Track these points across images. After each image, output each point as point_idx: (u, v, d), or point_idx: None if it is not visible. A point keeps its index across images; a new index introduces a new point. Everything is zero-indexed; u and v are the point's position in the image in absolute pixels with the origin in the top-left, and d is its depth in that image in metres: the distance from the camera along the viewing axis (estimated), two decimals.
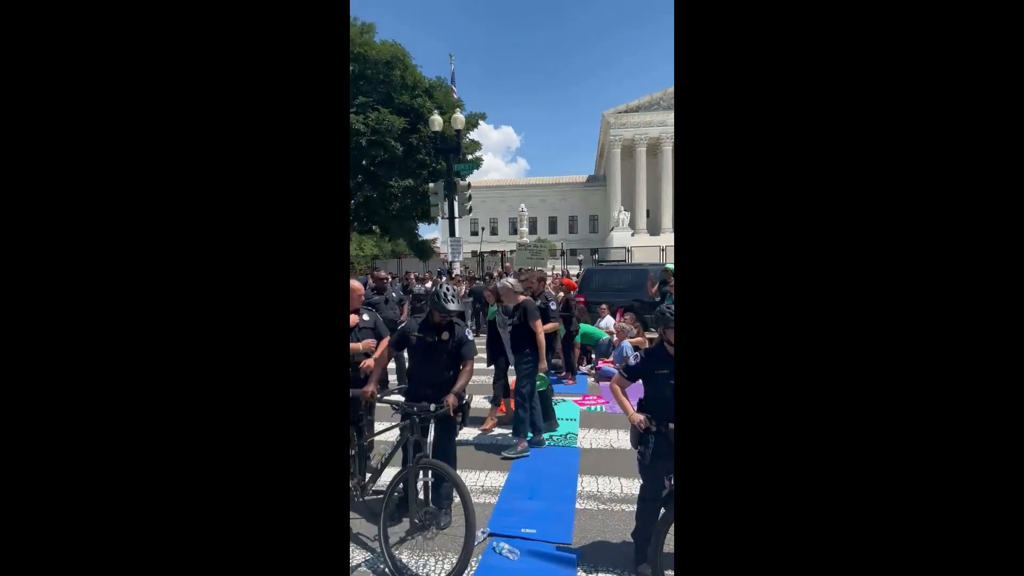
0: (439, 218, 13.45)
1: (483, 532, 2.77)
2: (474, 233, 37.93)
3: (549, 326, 4.37)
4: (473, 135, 20.20)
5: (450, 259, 12.30)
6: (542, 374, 4.13)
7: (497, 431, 4.52)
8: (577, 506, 3.11)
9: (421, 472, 2.53)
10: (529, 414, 4.05)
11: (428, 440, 2.60)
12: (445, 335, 2.86)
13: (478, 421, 4.61)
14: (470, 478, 3.49)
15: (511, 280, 4.35)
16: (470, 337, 2.92)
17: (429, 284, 11.32)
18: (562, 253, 25.00)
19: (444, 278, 12.10)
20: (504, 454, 3.91)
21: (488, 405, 4.94)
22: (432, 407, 2.57)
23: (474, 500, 2.78)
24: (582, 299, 7.95)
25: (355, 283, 3.53)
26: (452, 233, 11.95)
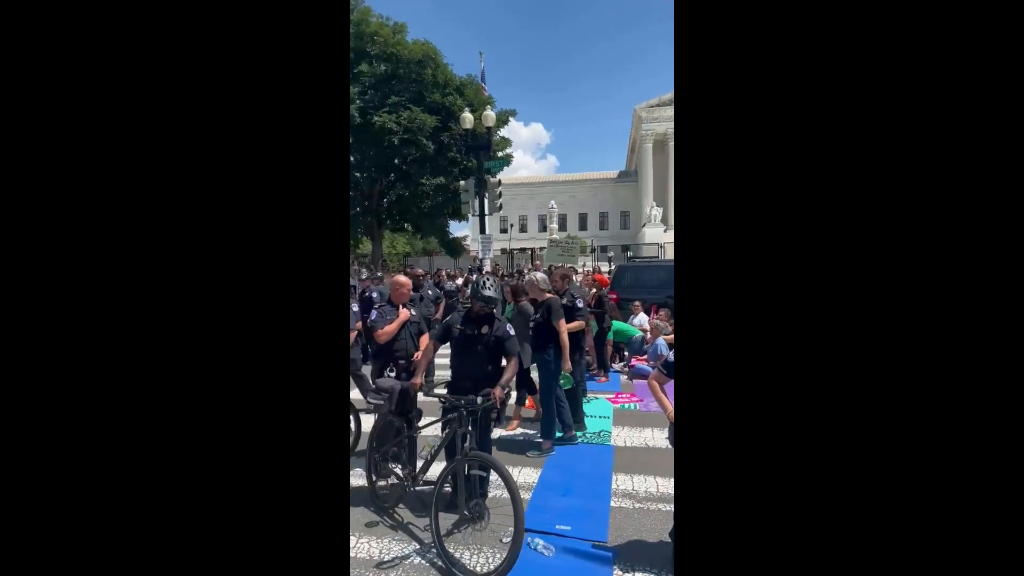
0: (469, 215, 13.53)
1: None
2: (503, 231, 37.99)
3: (574, 324, 4.27)
4: (503, 132, 20.19)
5: (480, 256, 12.35)
6: (566, 374, 4.07)
7: (519, 430, 4.49)
8: (612, 504, 3.08)
9: (468, 465, 2.56)
10: (556, 413, 4.02)
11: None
12: (485, 328, 2.91)
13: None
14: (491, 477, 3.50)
15: (539, 275, 4.29)
16: (511, 332, 2.94)
17: (460, 281, 11.41)
18: (592, 250, 24.78)
19: (476, 275, 12.17)
20: (529, 453, 3.90)
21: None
22: (479, 400, 2.61)
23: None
24: (614, 296, 7.85)
25: (403, 278, 3.67)
26: (483, 230, 11.99)
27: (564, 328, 3.97)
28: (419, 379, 2.94)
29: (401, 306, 3.43)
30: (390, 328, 3.31)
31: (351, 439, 3.79)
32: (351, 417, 3.87)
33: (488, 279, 2.89)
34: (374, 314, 3.44)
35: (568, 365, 3.95)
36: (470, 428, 2.59)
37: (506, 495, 2.33)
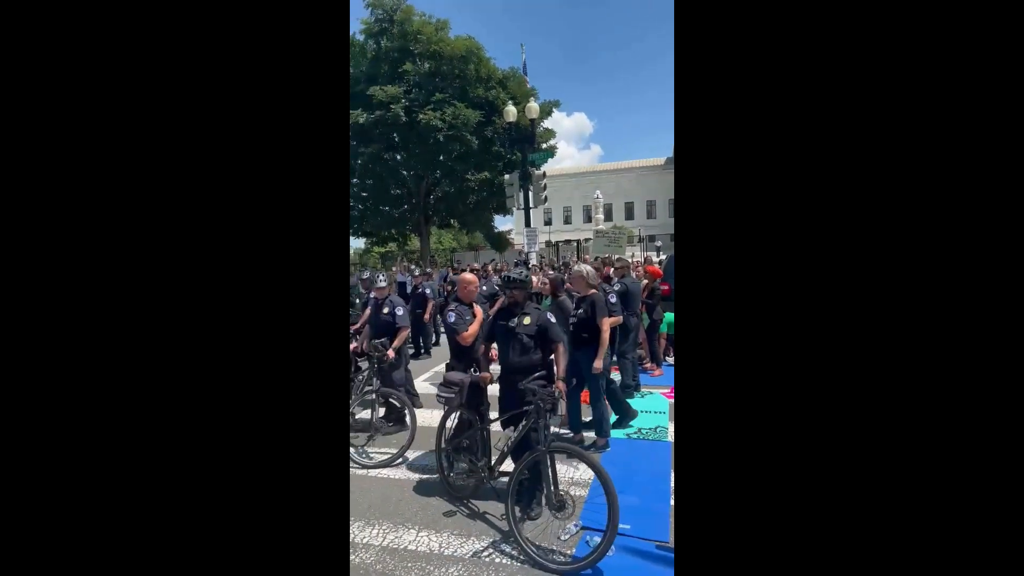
0: (514, 209, 13.52)
1: (575, 525, 2.76)
2: (547, 223, 37.75)
3: (612, 320, 4.08)
4: (546, 124, 20.00)
5: (526, 249, 12.32)
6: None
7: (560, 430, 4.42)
8: (672, 503, 3.00)
9: (551, 455, 2.58)
10: (601, 410, 3.92)
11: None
12: (527, 320, 2.95)
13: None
14: (559, 470, 3.47)
15: (587, 268, 4.11)
16: (552, 320, 2.96)
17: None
18: (640, 239, 24.19)
19: (521, 268, 12.14)
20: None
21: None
22: (556, 392, 2.67)
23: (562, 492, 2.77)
24: (666, 288, 7.62)
25: (470, 276, 3.74)
26: (528, 223, 11.95)
27: (607, 326, 3.78)
28: (487, 373, 3.01)
29: (473, 304, 3.50)
30: (473, 329, 3.36)
31: (407, 436, 3.87)
32: (407, 413, 3.95)
33: (521, 266, 2.98)
34: (451, 316, 3.45)
35: (599, 365, 3.75)
36: (547, 420, 2.62)
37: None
